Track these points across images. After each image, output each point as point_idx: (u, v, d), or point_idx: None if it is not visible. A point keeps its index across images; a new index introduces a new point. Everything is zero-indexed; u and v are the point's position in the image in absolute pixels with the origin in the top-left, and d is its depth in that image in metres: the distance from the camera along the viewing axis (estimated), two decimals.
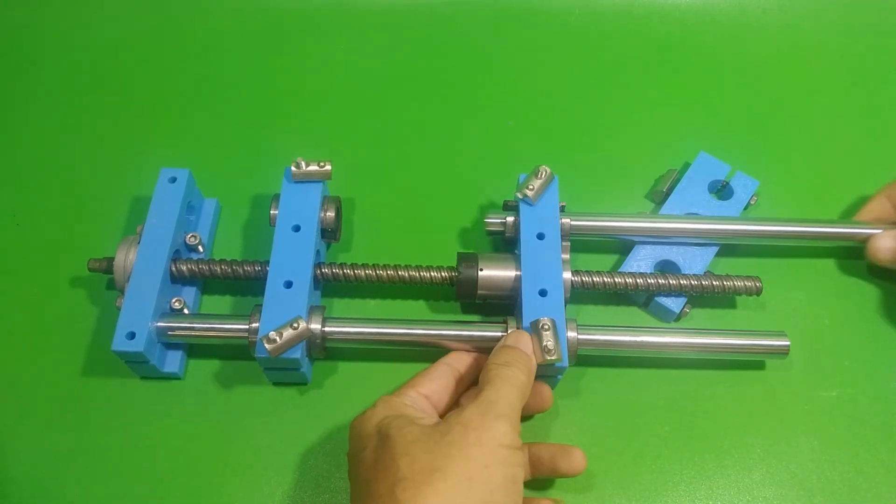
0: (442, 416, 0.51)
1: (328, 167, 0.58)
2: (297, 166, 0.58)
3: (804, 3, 0.78)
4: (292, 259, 0.55)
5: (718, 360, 0.57)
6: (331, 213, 0.59)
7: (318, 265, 0.57)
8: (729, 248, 0.63)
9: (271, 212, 0.58)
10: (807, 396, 0.57)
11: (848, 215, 0.65)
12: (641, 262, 0.61)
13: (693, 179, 0.65)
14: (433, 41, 0.76)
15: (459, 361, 0.53)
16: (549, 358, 0.49)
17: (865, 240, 0.60)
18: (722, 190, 0.66)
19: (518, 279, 0.55)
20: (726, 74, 0.75)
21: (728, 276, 0.58)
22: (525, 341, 0.51)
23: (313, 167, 0.58)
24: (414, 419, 0.46)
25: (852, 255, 0.63)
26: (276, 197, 0.58)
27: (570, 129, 0.72)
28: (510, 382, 0.47)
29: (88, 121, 0.71)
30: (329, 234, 0.60)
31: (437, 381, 0.52)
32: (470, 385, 0.54)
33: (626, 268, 0.60)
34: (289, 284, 0.54)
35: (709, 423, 0.56)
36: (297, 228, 0.56)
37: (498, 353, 0.50)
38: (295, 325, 0.50)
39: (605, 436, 0.55)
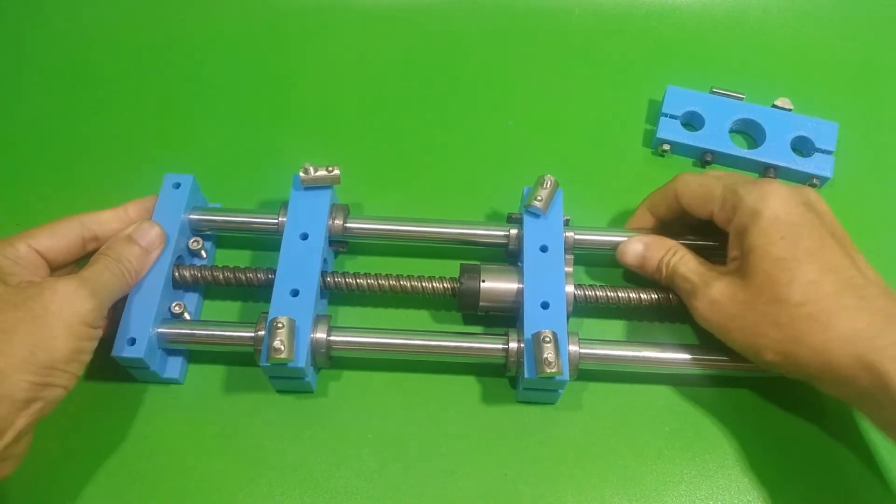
0: (62, 270, 0.52)
1: (336, 171, 0.57)
2: (306, 172, 0.57)
3: (806, 4, 0.79)
4: (299, 267, 0.55)
5: (723, 376, 0.58)
6: (339, 222, 0.58)
7: (322, 274, 0.57)
8: None
9: (279, 219, 0.58)
10: (807, 396, 0.58)
11: None
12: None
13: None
14: (433, 41, 0.76)
15: (98, 224, 0.54)
16: (549, 371, 0.50)
17: None
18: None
19: (520, 292, 0.56)
20: (727, 74, 0.75)
21: None
22: (148, 237, 0.53)
23: (322, 172, 0.57)
24: (5, 276, 0.46)
25: None
26: (284, 204, 0.58)
27: (571, 128, 0.72)
28: (114, 273, 0.50)
29: (92, 125, 0.70)
30: (337, 242, 0.60)
31: (61, 238, 0.51)
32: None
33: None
34: (295, 293, 0.54)
35: (709, 423, 0.57)
36: (304, 236, 0.56)
37: (115, 244, 0.52)
38: (279, 324, 0.51)
39: (605, 436, 0.56)
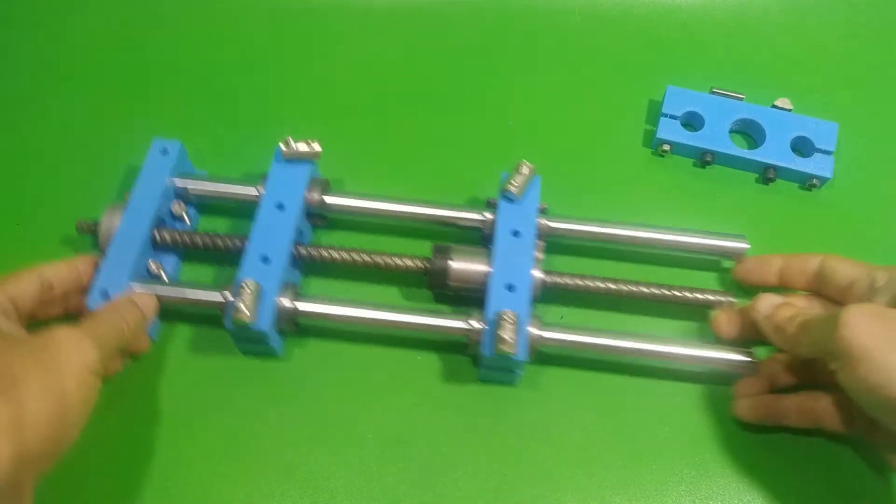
0: (23, 319, 0.52)
1: (317, 147, 0.59)
2: (287, 145, 0.58)
3: (806, 4, 0.78)
4: (272, 236, 0.56)
5: (717, 374, 0.57)
6: (317, 195, 0.60)
7: (296, 245, 0.58)
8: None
9: (259, 189, 0.59)
10: None
11: None
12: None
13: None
14: (434, 41, 0.76)
15: (53, 272, 0.54)
16: (503, 349, 0.50)
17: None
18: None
19: (489, 273, 0.56)
20: (727, 74, 0.74)
21: (702, 290, 0.58)
22: (146, 301, 0.54)
23: (302, 146, 0.59)
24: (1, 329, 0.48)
25: None
26: (265, 175, 0.59)
27: (571, 128, 0.72)
28: (115, 326, 0.51)
29: (86, 93, 0.72)
30: (315, 216, 0.61)
31: (27, 287, 0.52)
32: (59, 298, 0.55)
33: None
34: (266, 260, 0.55)
35: (709, 423, 0.57)
36: (280, 207, 0.58)
37: (118, 305, 0.53)
38: (245, 287, 0.52)
39: (605, 436, 0.56)
